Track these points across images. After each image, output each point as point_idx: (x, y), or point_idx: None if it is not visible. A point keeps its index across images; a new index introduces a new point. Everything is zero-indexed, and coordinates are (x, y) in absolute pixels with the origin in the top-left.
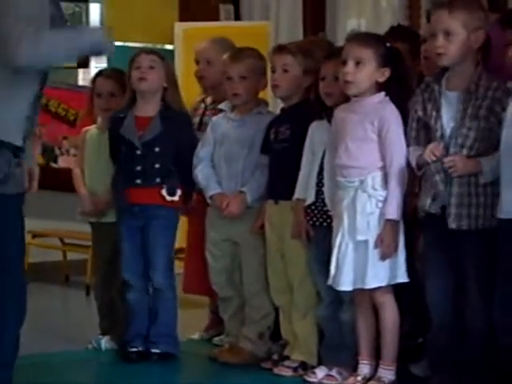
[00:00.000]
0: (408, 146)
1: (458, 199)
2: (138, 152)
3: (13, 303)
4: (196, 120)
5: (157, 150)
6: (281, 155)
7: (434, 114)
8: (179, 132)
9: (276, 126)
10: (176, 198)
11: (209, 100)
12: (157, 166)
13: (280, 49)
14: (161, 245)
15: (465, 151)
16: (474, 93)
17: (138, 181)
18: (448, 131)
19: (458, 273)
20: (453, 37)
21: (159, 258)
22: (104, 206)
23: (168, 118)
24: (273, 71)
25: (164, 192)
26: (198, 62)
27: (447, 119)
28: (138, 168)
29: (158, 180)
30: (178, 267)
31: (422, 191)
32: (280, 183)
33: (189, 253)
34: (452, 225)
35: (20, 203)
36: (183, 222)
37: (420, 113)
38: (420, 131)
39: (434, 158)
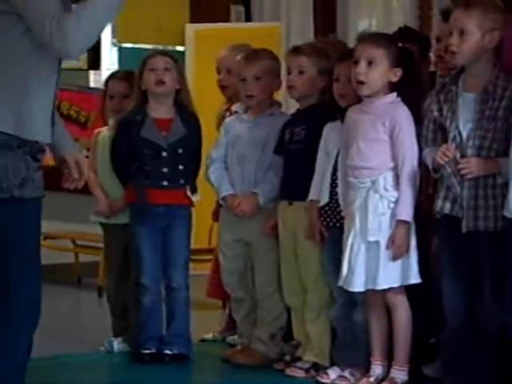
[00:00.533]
0: (420, 147)
1: (474, 201)
2: (164, 154)
3: (27, 308)
4: None
5: (180, 151)
6: (295, 156)
7: (449, 115)
8: (195, 134)
9: (291, 126)
10: (198, 198)
11: (234, 108)
12: (180, 167)
13: (295, 50)
14: (183, 245)
15: (483, 153)
16: (492, 93)
17: (165, 182)
18: (465, 133)
19: (473, 275)
20: (467, 36)
21: (181, 258)
22: (119, 207)
23: (185, 119)
24: (288, 72)
25: (189, 192)
26: (219, 71)
27: (464, 121)
28: (165, 170)
29: (182, 181)
30: (193, 269)
31: (438, 193)
32: (294, 184)
33: (216, 257)
34: (465, 228)
35: (38, 207)
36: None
37: (436, 114)
38: (437, 132)
39: (447, 159)
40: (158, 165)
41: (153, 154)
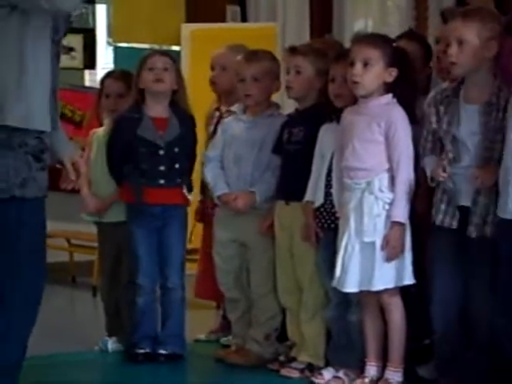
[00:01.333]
0: (416, 148)
1: (482, 209)
2: (161, 152)
3: (22, 308)
4: (211, 128)
5: (176, 150)
6: (293, 157)
7: (450, 128)
8: (190, 133)
9: (289, 127)
10: (192, 197)
11: (224, 108)
12: (177, 166)
13: (292, 50)
14: (179, 244)
15: (492, 164)
16: (496, 104)
17: (162, 181)
18: (471, 145)
19: (468, 277)
20: (465, 46)
21: (177, 257)
22: (107, 207)
23: (181, 119)
24: (287, 73)
25: (185, 191)
26: (213, 68)
27: (468, 133)
28: (162, 168)
29: (178, 180)
30: (188, 269)
31: (437, 204)
32: (292, 184)
33: (202, 258)
34: (473, 234)
35: (41, 207)
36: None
37: (434, 126)
38: (436, 143)
39: (445, 175)
40: (155, 163)
41: (150, 152)
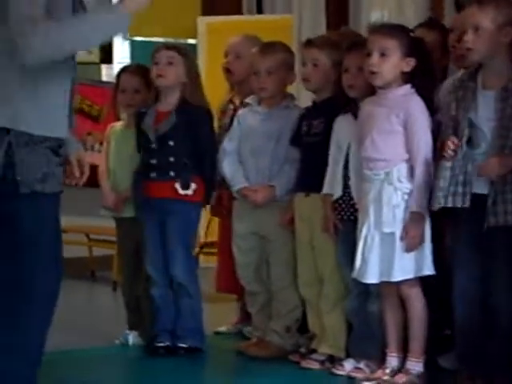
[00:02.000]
0: (434, 138)
1: (499, 198)
2: (153, 145)
3: (42, 304)
4: (227, 121)
5: (171, 143)
6: (313, 148)
7: (466, 113)
8: (195, 126)
9: (309, 118)
10: (190, 192)
11: (237, 100)
12: (171, 159)
13: (308, 43)
14: (179, 240)
15: (506, 152)
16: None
17: (153, 174)
18: (485, 131)
19: (488, 267)
20: (481, 32)
21: (178, 253)
22: (124, 201)
23: (184, 112)
24: (303, 65)
25: (177, 185)
26: (226, 55)
27: (484, 119)
28: (153, 161)
29: (172, 174)
30: (205, 262)
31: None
32: (312, 176)
33: (220, 251)
34: (490, 223)
35: (57, 202)
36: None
37: (453, 113)
38: (457, 129)
39: (452, 153)
40: (148, 156)
41: (145, 145)
